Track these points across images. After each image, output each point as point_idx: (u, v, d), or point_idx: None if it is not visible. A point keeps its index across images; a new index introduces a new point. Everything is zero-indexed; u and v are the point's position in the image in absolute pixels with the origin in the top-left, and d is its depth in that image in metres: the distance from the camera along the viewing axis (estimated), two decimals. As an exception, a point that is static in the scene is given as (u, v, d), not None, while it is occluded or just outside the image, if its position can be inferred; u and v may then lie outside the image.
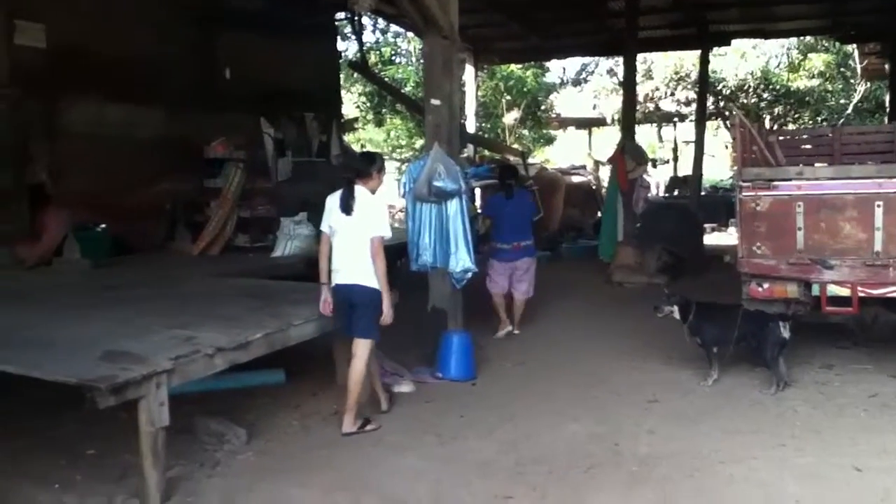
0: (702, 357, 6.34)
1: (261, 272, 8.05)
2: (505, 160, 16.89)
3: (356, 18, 14.23)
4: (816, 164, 6.63)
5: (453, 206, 6.45)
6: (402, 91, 19.24)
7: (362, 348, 5.14)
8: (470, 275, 6.50)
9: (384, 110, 21.65)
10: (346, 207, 5.08)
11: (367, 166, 5.31)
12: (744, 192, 5.58)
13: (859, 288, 5.41)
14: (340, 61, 13.85)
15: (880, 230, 5.29)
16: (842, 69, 20.08)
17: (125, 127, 9.11)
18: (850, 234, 5.36)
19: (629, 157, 11.86)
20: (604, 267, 11.87)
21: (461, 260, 6.43)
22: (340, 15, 14.04)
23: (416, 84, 21.33)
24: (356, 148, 24.64)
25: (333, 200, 5.23)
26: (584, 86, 26.72)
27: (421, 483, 4.37)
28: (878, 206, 5.27)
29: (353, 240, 5.07)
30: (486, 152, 17.72)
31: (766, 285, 5.65)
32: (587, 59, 26.87)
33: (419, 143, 21.53)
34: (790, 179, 5.51)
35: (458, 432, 5.19)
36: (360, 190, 5.15)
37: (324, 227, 5.27)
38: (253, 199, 9.32)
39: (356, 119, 16.48)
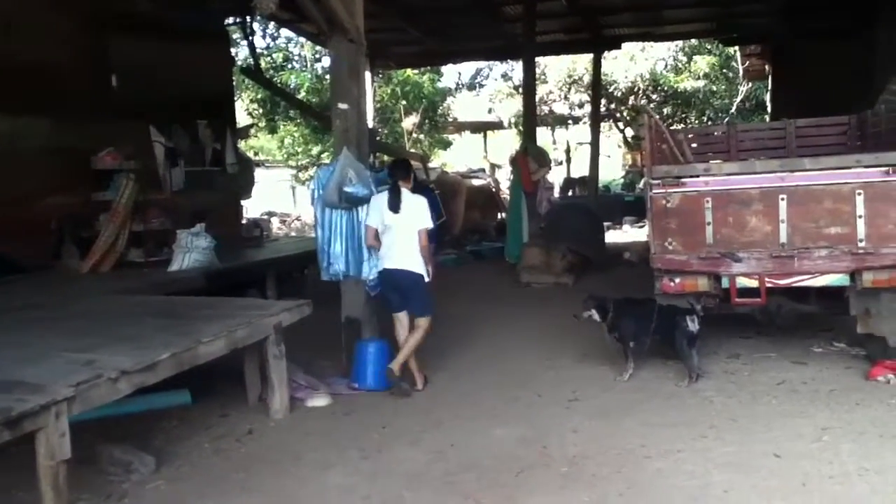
0: (615, 352, 6.44)
1: (158, 288, 7.59)
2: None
3: (247, 23, 13.81)
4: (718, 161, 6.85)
5: (365, 211, 6.29)
6: (297, 97, 18.84)
7: (424, 323, 6.14)
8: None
9: (277, 117, 21.15)
10: (395, 206, 5.94)
11: (406, 172, 6.25)
12: (654, 189, 5.65)
13: (767, 279, 5.57)
14: (233, 67, 13.37)
15: (784, 222, 5.47)
16: (724, 70, 21.07)
17: (6, 138, 8.45)
18: (756, 228, 5.51)
19: (532, 159, 11.99)
20: (510, 268, 11.95)
21: (374, 267, 6.28)
22: (231, 19, 13.62)
23: (310, 90, 20.97)
24: (250, 156, 24.09)
25: (380, 200, 6.04)
26: (479, 90, 27.01)
27: (349, 501, 4.18)
28: (782, 199, 5.44)
29: (402, 233, 5.95)
30: (387, 157, 17.58)
31: (677, 280, 5.75)
32: (482, 64, 27.20)
33: (315, 149, 21.17)
34: (698, 176, 5.62)
35: (383, 444, 5.02)
36: (404, 191, 6.03)
37: (371, 223, 6.08)
38: (146, 212, 8.81)
39: (251, 126, 15.98)
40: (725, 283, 5.69)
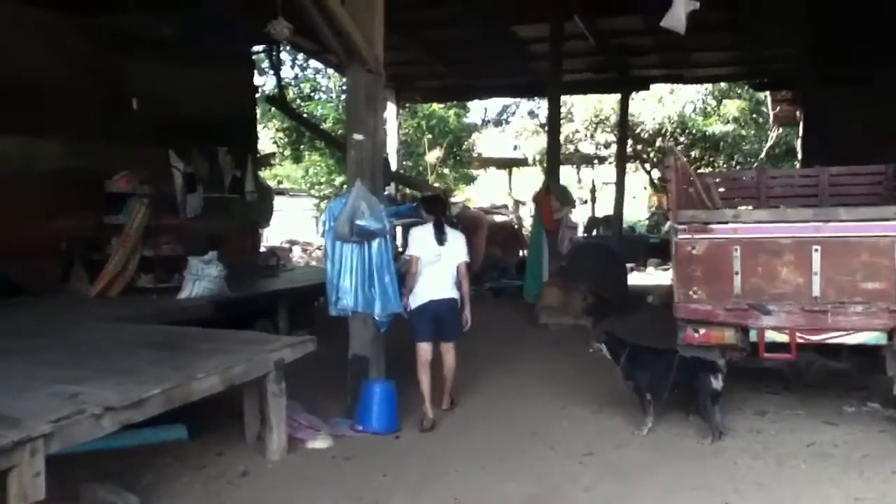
0: (633, 402, 6.09)
1: (164, 316, 7.43)
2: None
3: (274, 52, 13.81)
4: (747, 208, 6.54)
5: (376, 246, 6.08)
6: (322, 127, 18.82)
7: (454, 348, 6.46)
8: (393, 317, 6.11)
9: (302, 146, 21.14)
10: (441, 240, 6.26)
11: (445, 207, 7.00)
12: (679, 234, 5.37)
13: (798, 334, 5.24)
14: (257, 95, 13.33)
15: (818, 275, 5.16)
16: (754, 115, 20.77)
17: (18, 159, 8.38)
18: (787, 279, 5.20)
19: (555, 197, 11.75)
20: (529, 307, 11.64)
21: (384, 303, 6.04)
22: (259, 48, 13.62)
23: (335, 121, 20.96)
24: (273, 185, 24.09)
25: (424, 232, 6.33)
26: (505, 126, 26.90)
27: (340, 558, 3.88)
28: (816, 249, 5.13)
29: (447, 265, 6.27)
30: (408, 190, 17.45)
31: (702, 331, 5.43)
32: (508, 101, 27.15)
33: (339, 180, 21.09)
34: (727, 222, 5.34)
35: (382, 494, 4.73)
36: (446, 226, 6.41)
37: (416, 253, 6.25)
38: (158, 237, 8.67)
39: (272, 154, 15.93)
40: (753, 336, 5.37)
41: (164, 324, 7.09)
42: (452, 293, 6.30)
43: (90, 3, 9.18)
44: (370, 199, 5.98)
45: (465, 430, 6.02)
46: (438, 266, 6.25)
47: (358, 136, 6.03)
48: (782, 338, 5.29)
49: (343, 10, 5.44)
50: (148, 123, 9.83)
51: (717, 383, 5.39)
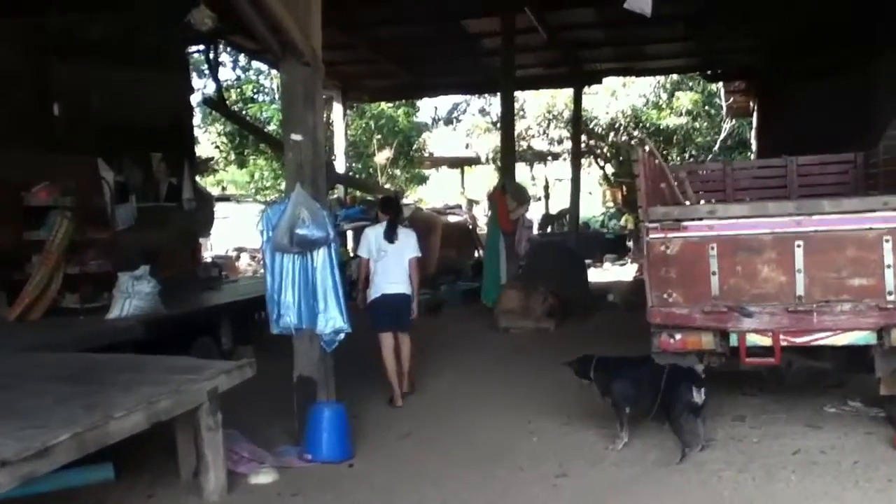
0: (603, 414, 5.66)
1: (91, 339, 6.74)
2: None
3: (212, 53, 13.12)
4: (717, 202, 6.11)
5: (321, 256, 5.53)
6: (266, 130, 18.10)
7: (408, 337, 7.02)
8: (342, 336, 5.56)
9: (247, 151, 20.36)
10: (391, 238, 6.82)
11: (398, 208, 7.65)
12: (651, 233, 4.93)
13: (781, 336, 4.84)
14: (195, 98, 12.64)
15: (801, 272, 4.76)
16: (706, 107, 20.65)
17: (-77, 170, 7.61)
18: (769, 278, 4.80)
19: (510, 196, 11.30)
20: (486, 311, 11.18)
21: (331, 319, 5.51)
22: (196, 48, 12.93)
23: (280, 123, 20.23)
24: (216, 191, 23.22)
25: (375, 233, 6.93)
26: (456, 125, 26.45)
27: None
28: (798, 245, 4.74)
29: (397, 261, 6.80)
30: (358, 193, 16.88)
31: (678, 336, 5.01)
32: (459, 98, 26.71)
33: (285, 184, 20.37)
34: (701, 219, 4.91)
35: (333, 538, 4.19)
36: (398, 225, 7.02)
37: (364, 254, 6.93)
38: (84, 253, 7.94)
39: (211, 159, 15.18)
40: (734, 340, 4.95)
41: (91, 348, 6.45)
42: (405, 288, 6.87)
43: (6, 3, 8.42)
44: (311, 206, 5.42)
45: (424, 454, 5.51)
46: (390, 262, 6.81)
47: (296, 137, 5.46)
48: (765, 341, 4.88)
49: (274, -2, 4.88)
50: (73, 130, 9.08)
51: (697, 397, 4.95)
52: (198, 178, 14.85)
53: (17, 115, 8.43)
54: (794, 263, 4.77)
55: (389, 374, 6.83)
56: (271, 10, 4.87)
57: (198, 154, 15.73)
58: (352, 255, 12.23)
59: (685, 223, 4.90)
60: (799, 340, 4.86)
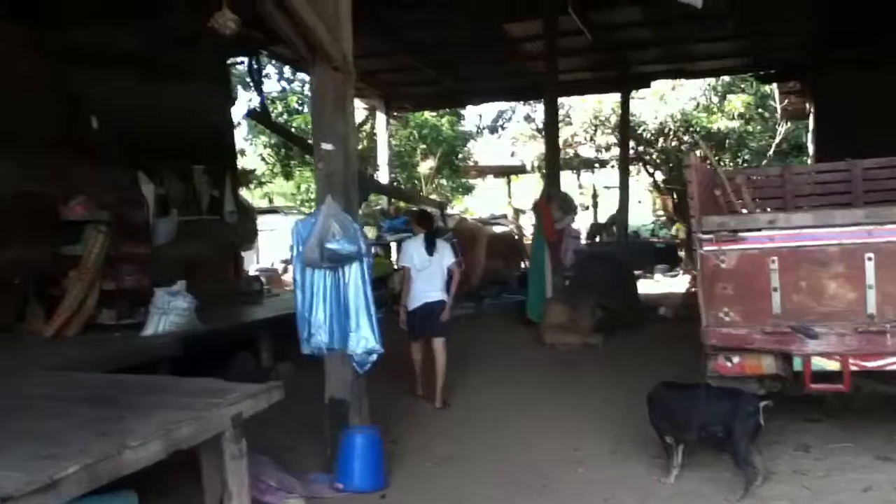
0: (656, 439, 5.24)
1: (126, 357, 6.67)
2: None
3: (255, 64, 13.03)
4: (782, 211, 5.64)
5: (353, 272, 5.25)
6: (310, 142, 17.99)
7: (444, 344, 7.24)
8: (375, 357, 5.28)
9: (293, 162, 20.33)
10: (430, 250, 7.23)
11: (432, 221, 8.06)
12: (705, 245, 4.55)
13: (851, 360, 4.41)
14: (238, 109, 12.57)
15: (873, 288, 4.32)
16: (760, 110, 19.91)
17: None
18: (837, 295, 4.38)
19: (555, 205, 10.92)
20: (532, 325, 10.80)
21: (363, 339, 5.23)
22: (240, 60, 12.87)
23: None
24: (264, 203, 23.26)
25: (414, 245, 7.34)
26: (501, 133, 26.11)
27: None
28: (869, 258, 4.31)
29: (437, 271, 7.20)
30: (402, 204, 16.67)
31: (736, 359, 4.61)
32: (504, 106, 26.38)
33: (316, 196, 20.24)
34: (760, 229, 4.51)
35: (360, 578, 3.89)
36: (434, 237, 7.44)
37: (407, 264, 7.26)
38: (120, 268, 7.86)
39: (253, 171, 15.11)
40: (797, 364, 4.52)
41: (126, 366, 6.35)
42: (442, 295, 7.22)
43: (42, 15, 8.40)
44: (342, 219, 5.17)
45: (462, 483, 5.18)
46: (429, 272, 7.18)
47: (327, 146, 5.22)
48: (832, 365, 4.45)
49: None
50: (112, 143, 9.02)
51: (761, 417, 4.51)
52: (242, 191, 14.85)
53: (53, 127, 8.40)
54: (864, 278, 4.34)
55: (416, 370, 7.43)
56: (297, 11, 4.63)
57: (240, 166, 15.71)
58: (395, 266, 12.01)
59: (742, 234, 4.50)
60: (871, 365, 4.42)
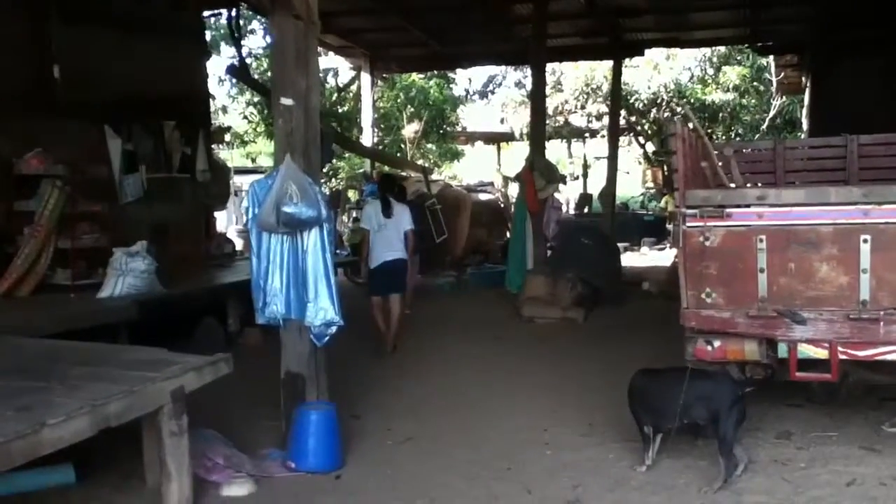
0: (631, 422, 4.94)
1: (78, 319, 6.33)
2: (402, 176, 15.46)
3: (234, 17, 12.50)
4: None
5: (312, 238, 4.91)
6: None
7: (400, 300, 7.86)
8: (334, 329, 4.95)
9: (277, 121, 19.76)
10: (387, 213, 7.69)
11: (392, 185, 8.37)
12: (688, 221, 4.22)
13: (840, 349, 4.11)
14: (212, 63, 12.04)
15: (867, 273, 4.01)
16: (755, 83, 19.46)
17: None
18: (828, 278, 4.06)
19: (539, 174, 10.54)
20: (513, 297, 10.50)
21: (322, 309, 4.90)
22: (215, 13, 12.35)
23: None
24: (247, 163, 22.74)
25: (373, 208, 7.83)
26: (491, 98, 25.58)
27: None
28: (865, 240, 3.98)
29: (394, 232, 7.69)
30: (387, 168, 16.24)
31: (717, 343, 4.31)
32: (494, 70, 25.83)
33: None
34: (749, 205, 4.17)
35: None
36: (392, 200, 7.87)
37: (367, 226, 7.79)
38: (77, 226, 7.45)
39: (229, 128, 14.59)
40: (783, 351, 4.22)
41: (78, 330, 6.01)
42: (400, 254, 7.75)
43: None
44: (302, 180, 4.80)
45: (423, 464, 4.89)
46: (387, 234, 7.69)
47: (286, 101, 4.83)
48: (820, 353, 4.15)
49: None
50: (75, 96, 8.54)
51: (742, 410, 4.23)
52: (220, 148, 14.40)
53: (9, 78, 7.92)
54: (858, 262, 4.02)
55: (379, 327, 7.82)
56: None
57: (218, 123, 15.24)
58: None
59: (729, 210, 4.17)
60: (861, 354, 4.12)
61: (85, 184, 7.97)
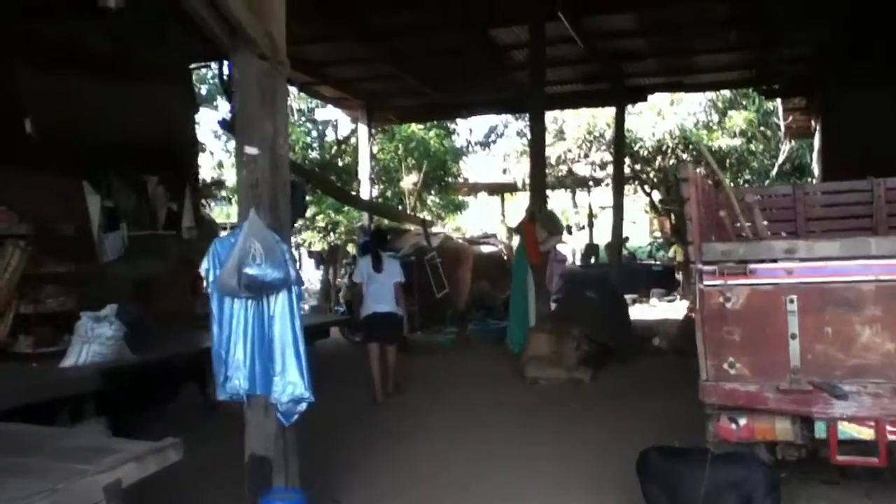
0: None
1: (35, 391, 5.72)
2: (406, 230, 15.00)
3: (222, 68, 12.16)
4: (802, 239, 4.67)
5: (279, 304, 4.34)
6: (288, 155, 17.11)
7: (395, 350, 8.37)
8: (304, 406, 4.35)
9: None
10: (378, 268, 8.15)
11: (384, 240, 9.20)
12: (706, 279, 3.64)
13: (889, 427, 3.49)
14: (204, 116, 11.68)
15: (918, 337, 3.41)
16: (762, 128, 19.02)
17: None
18: (871, 345, 3.47)
19: (540, 225, 9.99)
20: (515, 355, 9.86)
21: (290, 384, 4.30)
22: (204, 63, 12.03)
23: (305, 146, 19.38)
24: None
25: (365, 262, 8.34)
26: (492, 148, 25.26)
27: None
28: (914, 299, 3.39)
29: (384, 286, 8.11)
30: (386, 221, 15.78)
31: (743, 421, 3.70)
32: (495, 120, 25.59)
33: (309, 212, 19.28)
34: (776, 260, 3.61)
35: None
36: (383, 255, 8.40)
37: (359, 279, 8.35)
38: (41, 289, 6.92)
39: (221, 183, 14.18)
40: (820, 430, 3.61)
41: (37, 403, 5.44)
42: (391, 307, 8.17)
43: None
44: (267, 238, 4.25)
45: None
46: (377, 287, 8.16)
47: (251, 150, 4.31)
48: (865, 433, 3.53)
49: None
50: (50, 149, 8.11)
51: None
52: (212, 204, 13.98)
53: (-22, 131, 7.50)
54: (906, 325, 3.44)
55: (374, 377, 8.16)
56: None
57: (213, 177, 14.86)
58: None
59: (753, 266, 3.60)
60: (914, 433, 3.50)
61: (56, 242, 7.51)
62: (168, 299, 9.55)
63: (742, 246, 3.61)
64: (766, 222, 6.27)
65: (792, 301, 3.53)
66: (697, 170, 4.08)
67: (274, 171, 4.38)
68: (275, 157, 4.38)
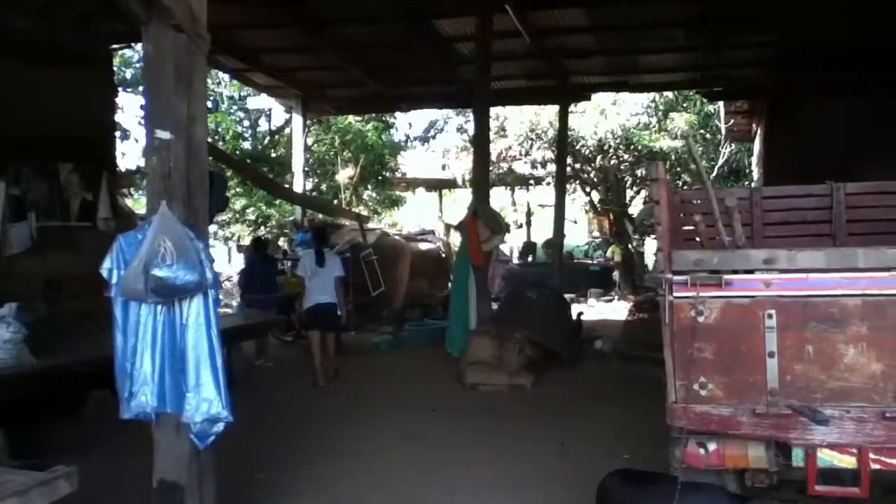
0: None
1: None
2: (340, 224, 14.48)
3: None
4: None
5: (193, 310, 3.82)
6: (216, 144, 16.36)
7: (333, 337, 9.40)
8: (221, 427, 3.83)
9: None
10: (320, 262, 8.84)
11: (325, 238, 9.96)
12: (676, 290, 3.27)
13: (872, 455, 3.17)
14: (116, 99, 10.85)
15: (907, 358, 3.10)
16: (702, 130, 19.06)
17: None
18: (856, 366, 3.14)
19: (482, 224, 9.58)
20: (454, 360, 9.44)
21: (205, 401, 3.79)
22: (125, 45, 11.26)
23: (236, 136, 18.60)
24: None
25: (308, 257, 8.99)
26: (431, 144, 24.82)
27: None
28: (904, 316, 3.08)
29: (327, 279, 8.79)
30: (319, 216, 15.17)
31: (712, 447, 3.34)
32: (436, 115, 25.14)
33: (239, 203, 18.49)
34: (754, 271, 3.26)
35: None
36: (325, 251, 9.22)
37: (302, 273, 8.98)
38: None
39: (136, 172, 13.40)
40: (798, 458, 3.27)
41: None
42: (331, 299, 8.79)
43: None
44: (180, 236, 3.72)
45: None
46: (320, 280, 8.74)
47: (162, 134, 3.77)
48: (846, 461, 3.21)
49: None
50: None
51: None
52: (129, 194, 13.24)
53: None
54: (894, 343, 3.13)
55: (315, 362, 8.79)
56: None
57: (125, 166, 14.08)
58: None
59: (728, 277, 3.24)
60: (900, 462, 3.19)
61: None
62: (81, 297, 8.85)
63: (716, 255, 3.25)
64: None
65: (770, 316, 3.18)
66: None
67: (190, 159, 3.85)
68: (191, 142, 3.85)
